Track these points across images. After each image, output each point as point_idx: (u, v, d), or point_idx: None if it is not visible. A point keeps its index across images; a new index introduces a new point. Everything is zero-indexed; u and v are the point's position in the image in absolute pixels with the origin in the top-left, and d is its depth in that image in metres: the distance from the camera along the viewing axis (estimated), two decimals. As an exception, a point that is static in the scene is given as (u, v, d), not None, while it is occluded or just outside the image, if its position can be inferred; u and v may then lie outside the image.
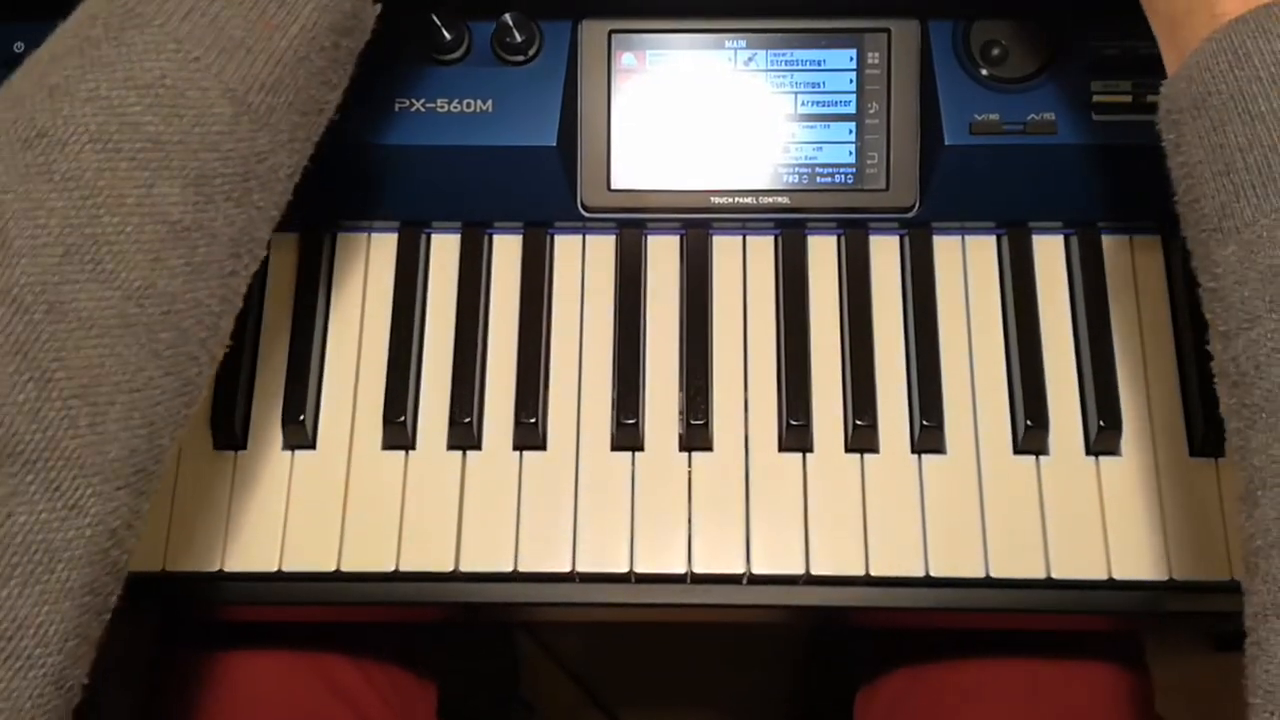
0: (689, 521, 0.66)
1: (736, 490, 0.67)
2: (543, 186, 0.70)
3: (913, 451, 0.68)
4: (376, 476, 0.67)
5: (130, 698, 0.78)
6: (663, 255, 0.72)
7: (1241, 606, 0.65)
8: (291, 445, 0.68)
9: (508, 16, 0.68)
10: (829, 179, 0.71)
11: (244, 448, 0.68)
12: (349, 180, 0.70)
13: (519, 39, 0.68)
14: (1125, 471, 0.67)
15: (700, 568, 0.65)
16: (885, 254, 0.72)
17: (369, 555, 0.66)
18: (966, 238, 0.72)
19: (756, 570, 0.65)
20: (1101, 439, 0.67)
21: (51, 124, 0.45)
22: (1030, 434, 0.67)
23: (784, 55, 0.71)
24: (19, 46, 0.70)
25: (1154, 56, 0.69)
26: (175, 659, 0.77)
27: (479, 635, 1.27)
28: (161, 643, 0.79)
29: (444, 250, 0.72)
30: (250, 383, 0.70)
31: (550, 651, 1.33)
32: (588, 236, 0.72)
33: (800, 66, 0.71)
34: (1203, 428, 0.66)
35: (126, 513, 0.46)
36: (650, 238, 0.72)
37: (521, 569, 0.65)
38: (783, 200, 0.71)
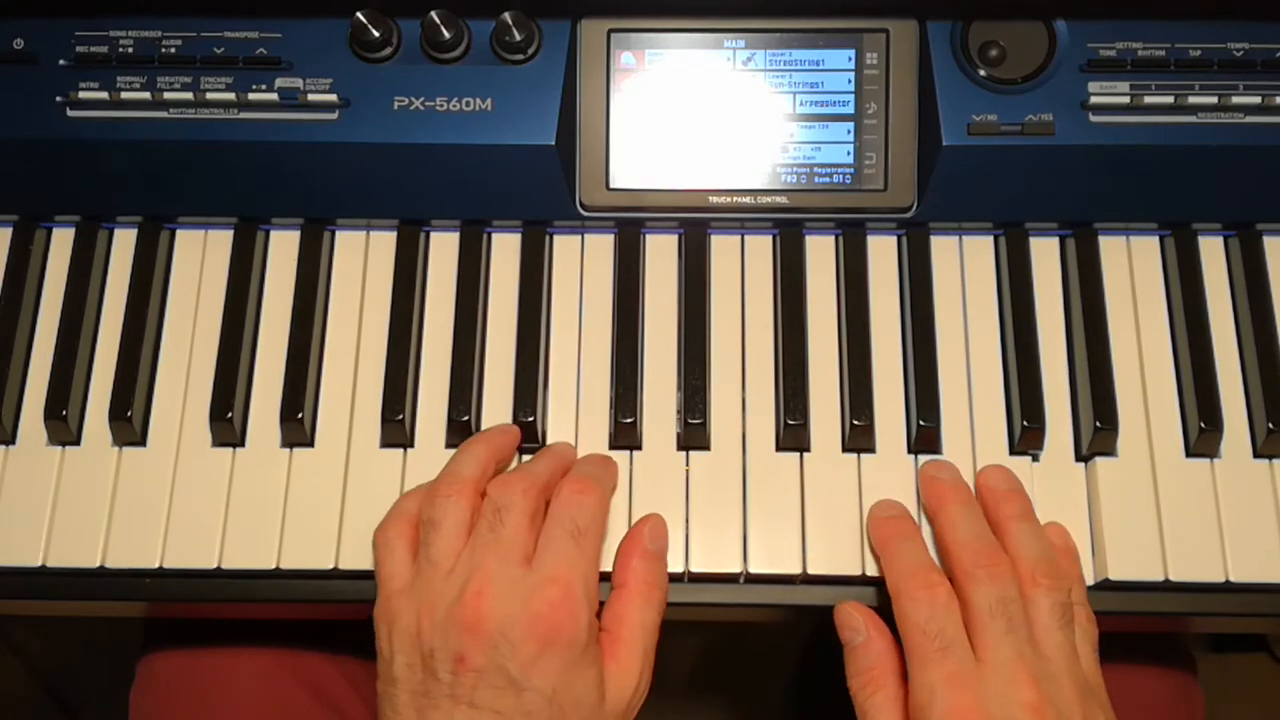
0: (686, 520, 0.66)
1: (734, 489, 0.67)
2: (541, 185, 0.70)
3: (910, 452, 0.68)
4: (375, 474, 0.68)
5: (113, 697, 0.78)
6: (661, 254, 0.72)
7: (1236, 608, 0.65)
8: (290, 443, 0.68)
9: (507, 15, 0.68)
10: (827, 179, 0.71)
11: (242, 445, 0.69)
12: (349, 178, 0.70)
13: (518, 38, 0.68)
14: (1121, 472, 0.67)
15: (697, 566, 0.66)
16: (883, 254, 0.72)
17: (367, 553, 0.66)
18: (964, 238, 0.72)
19: (754, 569, 0.65)
20: (1098, 439, 0.67)
21: None
22: (1027, 434, 0.67)
23: (782, 55, 0.71)
24: (19, 44, 0.70)
25: (1152, 58, 0.69)
26: (155, 659, 0.77)
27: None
28: (143, 642, 0.79)
29: (443, 249, 0.72)
30: (249, 380, 0.70)
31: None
32: (586, 236, 0.72)
33: (799, 66, 0.71)
34: (1198, 429, 0.66)
35: None
36: (649, 237, 0.72)
37: (519, 567, 0.65)
38: (781, 200, 0.71)
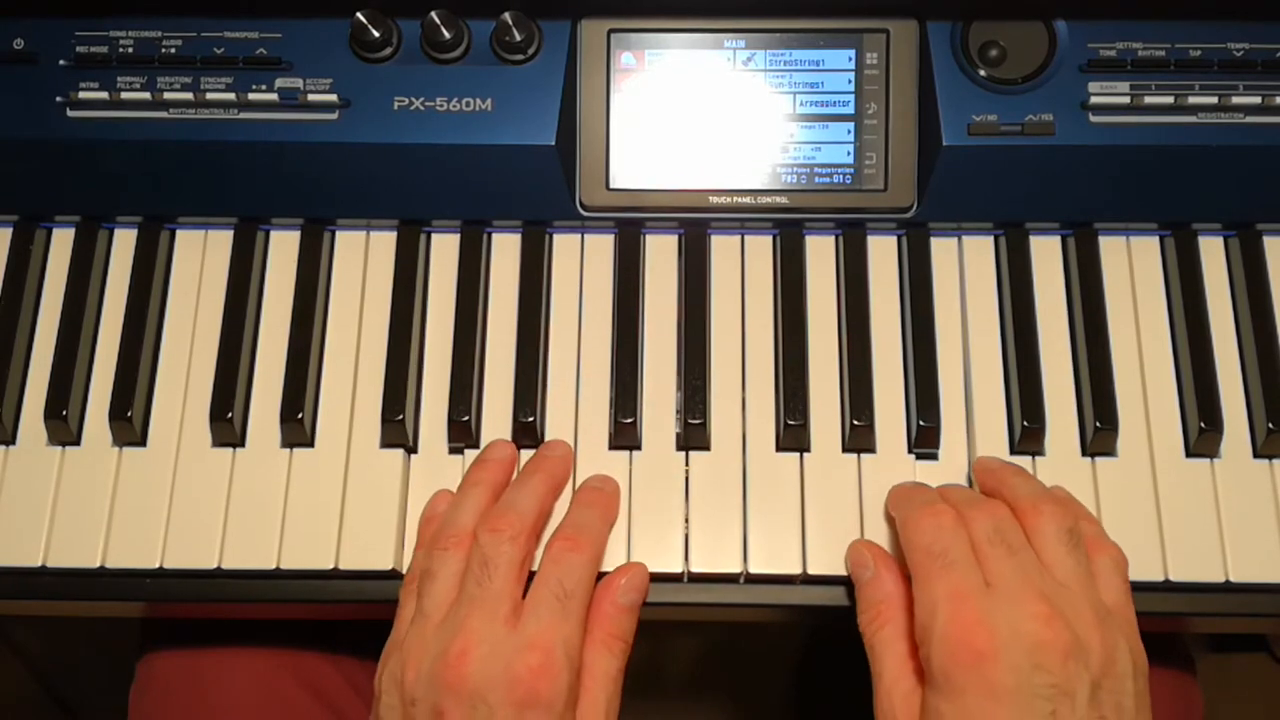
0: (686, 520, 0.66)
1: (734, 489, 0.67)
2: (542, 185, 0.70)
3: (909, 452, 0.68)
4: (375, 474, 0.68)
5: (113, 697, 0.78)
6: (661, 255, 0.72)
7: (1236, 608, 0.65)
8: (290, 443, 0.68)
9: (507, 15, 0.68)
10: (827, 179, 0.71)
11: (242, 445, 0.69)
12: (348, 178, 0.70)
13: (518, 38, 0.68)
14: (1121, 472, 0.67)
15: (697, 567, 0.66)
16: (883, 254, 0.72)
17: (367, 553, 0.66)
18: (964, 238, 0.72)
19: (754, 569, 0.65)
20: (1098, 440, 0.67)
21: None
22: (1027, 435, 0.67)
23: (783, 55, 0.71)
24: (19, 44, 0.70)
25: (1151, 58, 0.69)
26: (155, 659, 0.77)
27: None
28: (142, 642, 0.79)
29: (443, 249, 0.72)
30: (249, 380, 0.70)
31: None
32: (586, 236, 0.72)
33: (799, 66, 0.71)
34: (1198, 429, 0.66)
35: None
36: (649, 237, 0.72)
37: (519, 567, 0.65)
38: (781, 200, 0.71)
